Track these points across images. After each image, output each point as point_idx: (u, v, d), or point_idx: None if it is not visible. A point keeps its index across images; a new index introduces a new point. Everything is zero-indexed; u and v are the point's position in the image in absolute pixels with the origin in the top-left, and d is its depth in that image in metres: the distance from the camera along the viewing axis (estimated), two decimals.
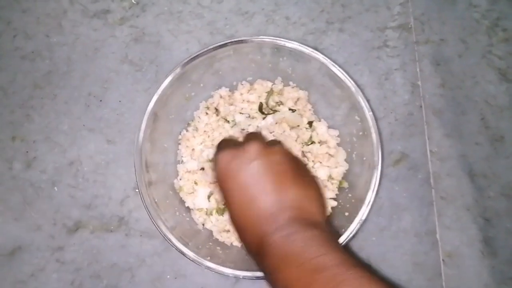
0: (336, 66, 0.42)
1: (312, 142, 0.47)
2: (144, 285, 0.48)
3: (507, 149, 0.51)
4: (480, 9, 0.55)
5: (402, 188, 0.50)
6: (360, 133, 0.43)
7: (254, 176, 0.33)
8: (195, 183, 0.46)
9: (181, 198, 0.47)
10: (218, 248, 0.44)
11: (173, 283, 0.48)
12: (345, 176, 0.47)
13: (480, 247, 0.49)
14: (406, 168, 0.51)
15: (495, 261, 0.49)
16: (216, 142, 0.47)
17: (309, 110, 0.49)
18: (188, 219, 0.46)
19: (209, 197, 0.46)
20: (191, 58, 0.42)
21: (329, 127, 0.48)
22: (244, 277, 0.38)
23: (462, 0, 0.56)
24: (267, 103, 0.48)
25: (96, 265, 0.48)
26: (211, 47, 0.43)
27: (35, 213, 0.50)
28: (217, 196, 0.45)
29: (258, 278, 0.39)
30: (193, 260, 0.39)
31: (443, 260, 0.49)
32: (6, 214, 0.50)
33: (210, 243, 0.44)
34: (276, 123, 0.46)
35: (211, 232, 0.46)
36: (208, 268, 0.39)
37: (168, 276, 0.48)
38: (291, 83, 0.49)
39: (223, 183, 0.35)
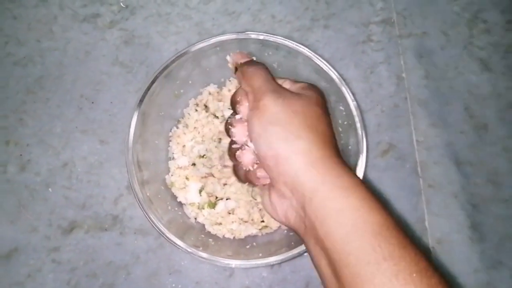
0: (320, 59, 0.43)
1: None
2: (140, 282, 0.48)
3: (491, 137, 0.53)
4: (460, 2, 0.57)
5: (391, 178, 0.51)
6: (345, 122, 0.44)
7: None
8: (187, 178, 0.47)
9: (173, 193, 0.47)
10: (211, 240, 0.45)
11: (168, 279, 0.48)
12: None
13: (468, 233, 0.50)
14: (394, 158, 0.52)
15: (483, 246, 0.50)
16: (206, 138, 0.48)
17: None
18: (180, 213, 0.47)
19: (200, 191, 0.46)
20: (178, 56, 0.43)
21: None
22: (236, 266, 0.39)
23: None
24: None
25: (92, 264, 0.49)
26: (197, 43, 0.44)
27: (30, 215, 0.50)
28: (208, 190, 0.46)
29: (250, 267, 0.39)
30: (187, 252, 0.40)
31: (432, 247, 0.50)
32: (2, 217, 0.50)
33: (203, 236, 0.45)
34: None
35: (203, 225, 0.47)
36: (202, 258, 0.40)
37: (163, 272, 0.48)
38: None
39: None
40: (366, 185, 0.30)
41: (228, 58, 0.39)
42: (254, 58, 0.39)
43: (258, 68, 0.35)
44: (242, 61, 0.37)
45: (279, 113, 0.32)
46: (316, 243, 0.29)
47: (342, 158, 0.32)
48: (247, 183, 0.37)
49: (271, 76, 0.36)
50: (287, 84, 0.36)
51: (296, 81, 0.37)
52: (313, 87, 0.36)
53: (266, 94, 0.32)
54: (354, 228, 0.28)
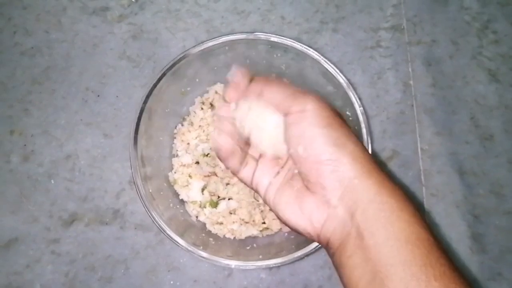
0: (328, 62, 0.43)
1: None
2: (138, 277, 0.48)
3: (496, 148, 0.52)
4: (471, 11, 0.57)
5: None
6: (351, 128, 0.44)
7: None
8: (190, 176, 0.47)
9: (175, 190, 0.47)
10: (211, 239, 0.45)
11: (166, 276, 0.48)
12: None
13: (469, 244, 0.50)
14: (398, 165, 0.52)
15: (483, 257, 0.49)
16: (211, 137, 0.48)
17: None
18: (182, 211, 0.47)
19: (202, 190, 0.46)
20: (185, 54, 0.43)
21: None
22: (236, 266, 0.39)
23: (454, 3, 0.57)
24: None
25: (91, 257, 0.49)
26: (206, 41, 0.44)
27: (31, 205, 0.50)
28: (210, 189, 0.46)
29: (250, 268, 0.39)
30: (186, 250, 0.40)
31: None
32: (3, 206, 0.50)
33: (203, 235, 0.45)
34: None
35: (204, 224, 0.47)
36: (202, 257, 0.40)
37: (162, 269, 0.48)
38: (285, 79, 0.50)
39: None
40: (411, 199, 0.31)
41: (229, 77, 0.35)
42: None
43: (276, 81, 0.34)
44: (246, 79, 0.35)
45: (330, 117, 0.31)
46: (354, 253, 0.29)
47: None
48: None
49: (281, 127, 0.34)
50: None
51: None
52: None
53: (311, 97, 0.31)
54: (406, 243, 0.28)
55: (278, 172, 0.34)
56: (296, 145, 0.31)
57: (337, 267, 0.30)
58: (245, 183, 0.36)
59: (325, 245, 0.31)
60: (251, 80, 0.35)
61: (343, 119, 0.33)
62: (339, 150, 0.30)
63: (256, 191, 0.35)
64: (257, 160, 0.36)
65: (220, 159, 0.36)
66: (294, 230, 0.33)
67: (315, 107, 0.31)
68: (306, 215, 0.31)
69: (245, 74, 0.35)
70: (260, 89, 0.34)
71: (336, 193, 0.30)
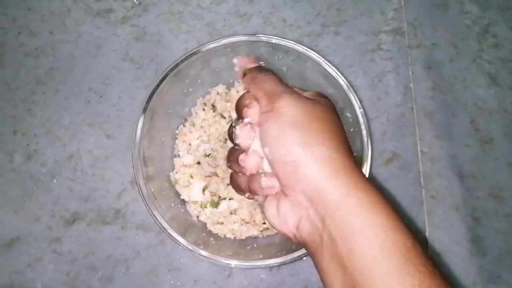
0: (329, 64, 0.44)
1: None
2: (139, 277, 0.49)
3: (496, 151, 0.53)
4: (471, 15, 0.57)
5: (393, 187, 0.52)
6: (351, 129, 0.44)
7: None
8: (191, 176, 0.47)
9: (176, 190, 0.48)
10: (212, 239, 0.45)
11: (167, 276, 0.49)
12: None
13: (468, 246, 0.50)
14: (397, 168, 0.52)
15: (483, 260, 0.50)
16: (212, 138, 0.48)
17: None
18: (183, 211, 0.47)
19: (204, 190, 0.47)
20: (188, 55, 0.44)
21: None
22: (236, 266, 0.39)
23: (454, 7, 0.58)
24: None
25: (92, 257, 0.49)
26: (208, 43, 0.44)
27: (34, 204, 0.51)
28: (211, 189, 0.47)
29: (250, 268, 0.40)
30: (187, 249, 0.40)
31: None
32: (6, 206, 0.51)
33: (204, 234, 0.45)
34: None
35: (205, 224, 0.47)
36: (202, 256, 0.40)
37: (162, 269, 0.49)
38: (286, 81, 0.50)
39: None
40: (388, 199, 0.29)
41: (235, 60, 0.38)
42: (263, 63, 0.38)
43: (268, 73, 0.35)
44: (251, 66, 0.37)
45: (299, 115, 0.30)
46: (332, 259, 0.28)
47: (358, 166, 0.31)
48: (246, 195, 0.35)
49: (282, 81, 0.35)
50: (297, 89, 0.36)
51: (304, 90, 0.35)
52: (323, 95, 0.35)
53: (283, 96, 0.31)
54: (382, 250, 0.26)
55: None
56: (264, 146, 0.31)
57: (317, 270, 0.30)
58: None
59: (304, 247, 0.31)
60: (244, 73, 0.36)
61: (321, 117, 0.31)
62: (302, 150, 0.29)
63: (253, 194, 0.35)
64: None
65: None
66: (289, 236, 0.32)
67: (281, 106, 0.30)
68: (282, 216, 0.31)
69: (252, 59, 0.37)
70: (248, 84, 0.35)
71: (305, 195, 0.29)
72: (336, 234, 0.27)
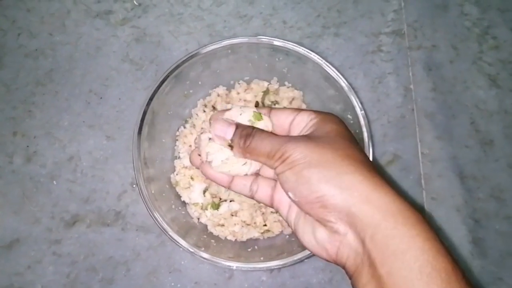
0: (330, 66, 0.44)
1: None
2: (139, 279, 0.48)
3: (496, 152, 0.53)
4: (471, 17, 0.57)
5: (394, 189, 0.51)
6: (352, 131, 0.44)
7: None
8: (191, 178, 0.47)
9: (177, 192, 0.48)
10: (213, 241, 0.45)
11: (167, 277, 0.48)
12: None
13: (469, 248, 0.50)
14: (398, 169, 0.52)
15: (484, 261, 0.50)
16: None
17: None
18: (183, 213, 0.47)
19: (204, 192, 0.47)
20: (188, 57, 0.44)
21: None
22: (237, 268, 0.39)
23: (454, 8, 0.58)
24: (263, 102, 0.49)
25: (92, 259, 0.49)
26: (209, 45, 0.44)
27: (33, 206, 0.51)
28: (212, 191, 0.46)
29: (251, 270, 0.40)
30: (188, 251, 0.40)
31: None
32: (6, 207, 0.50)
33: (205, 236, 0.45)
34: None
35: (205, 226, 0.47)
36: (203, 258, 0.40)
37: (163, 270, 0.49)
38: (286, 83, 0.50)
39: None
40: (427, 220, 0.29)
41: (211, 135, 0.34)
42: (231, 120, 0.35)
43: (256, 134, 0.33)
44: (230, 133, 0.34)
45: (308, 156, 0.30)
46: (369, 281, 0.27)
47: (389, 183, 0.30)
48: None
49: (270, 130, 0.34)
50: (304, 116, 0.34)
51: (314, 112, 0.34)
52: (332, 117, 0.34)
53: (284, 149, 0.30)
54: (421, 274, 0.26)
55: None
56: (287, 192, 0.31)
57: None
58: (264, 204, 0.36)
59: (343, 268, 0.31)
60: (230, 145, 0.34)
61: (347, 142, 0.31)
62: (324, 185, 0.29)
63: (278, 211, 0.35)
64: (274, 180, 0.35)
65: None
66: (326, 260, 0.32)
67: (288, 157, 0.30)
68: (320, 243, 0.30)
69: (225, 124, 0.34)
70: (243, 155, 0.33)
71: (342, 221, 0.29)
72: (375, 256, 0.27)
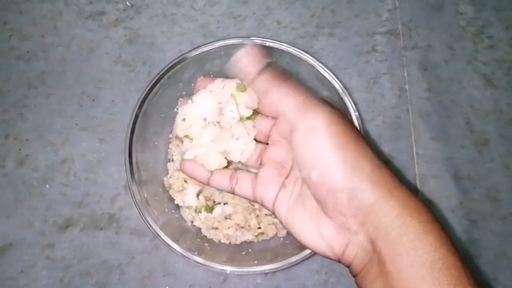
0: (324, 67, 0.43)
1: None
2: (134, 282, 0.48)
3: (491, 153, 0.52)
4: (466, 16, 0.57)
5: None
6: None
7: None
8: (185, 181, 0.47)
9: (170, 195, 0.47)
10: (206, 244, 0.45)
11: (162, 281, 0.48)
12: None
13: (465, 249, 0.50)
14: (393, 170, 0.51)
15: (479, 262, 0.50)
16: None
17: None
18: (177, 216, 0.47)
19: (198, 195, 0.46)
20: (181, 58, 0.43)
21: None
22: (231, 272, 0.39)
23: (449, 8, 0.57)
24: None
25: (86, 262, 0.49)
26: (202, 46, 0.44)
27: (26, 210, 0.50)
28: (205, 194, 0.46)
29: (245, 273, 0.39)
30: (181, 255, 0.40)
31: None
32: None
33: (199, 240, 0.45)
34: None
35: (199, 229, 0.47)
36: (197, 262, 0.40)
37: (157, 274, 0.48)
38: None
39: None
40: (438, 217, 0.29)
41: (237, 56, 0.32)
42: (268, 60, 0.32)
43: (292, 79, 0.31)
44: (258, 65, 0.31)
45: (344, 134, 0.28)
46: (376, 279, 0.27)
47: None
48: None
49: (255, 104, 0.32)
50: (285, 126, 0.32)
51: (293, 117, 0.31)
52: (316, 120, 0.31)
53: (321, 110, 0.28)
54: (432, 270, 0.26)
55: (284, 185, 0.32)
56: (309, 169, 0.29)
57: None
58: (247, 199, 0.35)
59: (347, 267, 0.30)
60: (260, 72, 0.31)
61: (357, 131, 0.30)
62: (357, 175, 0.27)
63: (262, 205, 0.34)
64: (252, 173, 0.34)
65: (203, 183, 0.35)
66: (311, 249, 0.31)
67: (327, 123, 0.28)
68: (326, 240, 0.29)
69: (255, 57, 0.31)
70: (267, 87, 0.30)
71: (356, 219, 0.28)
72: (386, 254, 0.27)
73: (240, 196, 0.35)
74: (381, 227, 0.27)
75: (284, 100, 0.30)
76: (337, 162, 0.28)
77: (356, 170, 0.28)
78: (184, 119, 0.35)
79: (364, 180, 0.28)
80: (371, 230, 0.28)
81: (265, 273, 0.48)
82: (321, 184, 0.28)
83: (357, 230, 0.28)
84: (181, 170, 0.36)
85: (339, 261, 0.30)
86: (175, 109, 0.48)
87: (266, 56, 0.32)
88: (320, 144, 0.28)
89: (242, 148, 0.34)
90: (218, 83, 0.34)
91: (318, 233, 0.30)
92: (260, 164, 0.34)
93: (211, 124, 0.35)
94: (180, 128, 0.35)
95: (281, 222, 0.33)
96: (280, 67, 0.33)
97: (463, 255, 0.48)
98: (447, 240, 0.27)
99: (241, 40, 0.44)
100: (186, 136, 0.35)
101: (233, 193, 0.35)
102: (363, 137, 0.30)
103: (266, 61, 0.32)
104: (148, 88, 0.43)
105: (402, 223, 0.27)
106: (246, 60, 0.32)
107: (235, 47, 0.45)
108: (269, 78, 0.31)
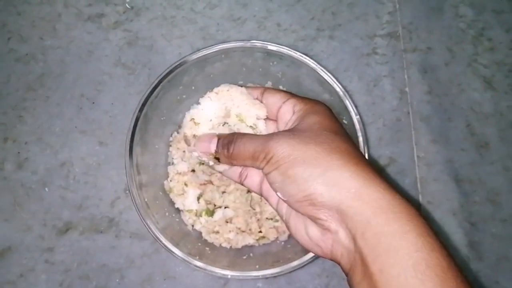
0: (325, 70, 0.43)
1: None
2: (133, 286, 0.48)
3: (492, 155, 0.52)
4: (466, 19, 0.57)
5: (386, 182, 0.51)
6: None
7: None
8: (185, 184, 0.46)
9: (170, 199, 0.47)
10: (207, 248, 0.44)
11: (162, 285, 0.48)
12: None
13: (465, 251, 0.50)
14: (394, 173, 0.52)
15: (480, 265, 0.49)
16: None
17: None
18: (177, 220, 0.46)
19: (198, 198, 0.46)
20: (181, 62, 0.43)
21: None
22: (232, 277, 0.39)
23: (449, 10, 0.57)
24: None
25: (86, 266, 0.48)
26: (202, 49, 0.44)
27: (25, 213, 0.50)
28: (206, 197, 0.46)
29: (246, 278, 0.39)
30: (182, 260, 0.40)
31: None
32: None
33: (199, 244, 0.45)
34: None
35: (200, 233, 0.46)
36: (197, 267, 0.39)
37: (157, 278, 0.48)
38: (281, 87, 0.50)
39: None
40: (421, 213, 0.28)
41: (195, 154, 0.36)
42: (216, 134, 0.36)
43: (235, 139, 0.33)
44: (213, 146, 0.34)
45: (291, 155, 0.29)
46: (362, 279, 0.27)
47: (381, 176, 0.29)
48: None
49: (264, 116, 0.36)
50: (289, 106, 0.34)
51: (299, 101, 0.34)
52: (317, 107, 0.33)
53: (266, 150, 0.30)
54: (415, 272, 0.25)
55: None
56: (276, 192, 0.31)
57: None
58: (254, 192, 0.36)
59: (339, 265, 0.30)
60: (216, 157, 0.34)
61: (332, 135, 0.30)
62: (311, 183, 0.28)
63: (267, 200, 0.35)
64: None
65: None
66: (309, 250, 0.32)
67: (271, 158, 0.30)
68: (314, 242, 0.30)
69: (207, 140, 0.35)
70: (228, 163, 0.34)
71: (333, 219, 0.28)
72: (366, 254, 0.26)
73: (248, 188, 0.37)
74: (357, 226, 0.27)
75: (243, 161, 0.33)
76: (289, 181, 0.29)
77: (310, 179, 0.28)
78: (192, 119, 0.38)
79: (320, 185, 0.28)
80: (350, 227, 0.27)
81: (267, 277, 0.48)
82: (288, 199, 0.30)
83: (337, 229, 0.28)
84: (195, 149, 0.36)
85: (331, 260, 0.30)
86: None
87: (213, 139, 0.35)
88: (272, 174, 0.30)
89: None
90: (224, 86, 0.35)
91: (308, 236, 0.30)
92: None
93: (219, 125, 0.37)
94: (188, 127, 0.37)
95: (281, 218, 0.34)
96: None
97: (463, 255, 0.49)
98: (431, 238, 0.26)
99: (241, 43, 0.44)
100: (194, 136, 0.37)
101: (242, 184, 0.37)
102: (337, 139, 0.30)
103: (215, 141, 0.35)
104: (148, 91, 0.43)
105: (378, 221, 0.26)
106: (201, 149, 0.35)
107: (235, 50, 0.45)
108: (224, 153, 0.34)
